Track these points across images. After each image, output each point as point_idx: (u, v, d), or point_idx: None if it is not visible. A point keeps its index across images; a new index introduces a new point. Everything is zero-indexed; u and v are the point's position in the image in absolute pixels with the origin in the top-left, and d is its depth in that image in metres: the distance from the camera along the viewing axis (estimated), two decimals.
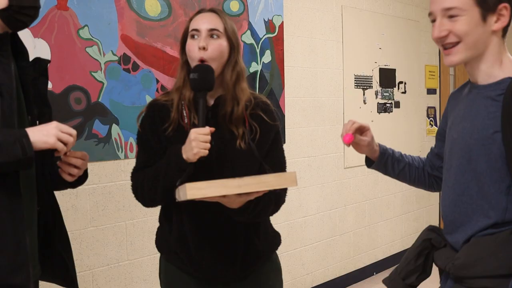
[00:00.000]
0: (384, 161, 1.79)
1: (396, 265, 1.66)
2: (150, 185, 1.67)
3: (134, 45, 2.82)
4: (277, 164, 1.78)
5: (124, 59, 2.78)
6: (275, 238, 1.87)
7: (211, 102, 1.72)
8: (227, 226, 1.70)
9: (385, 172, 1.83)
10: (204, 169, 1.61)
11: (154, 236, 2.92)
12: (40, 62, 1.61)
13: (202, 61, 1.66)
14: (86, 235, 2.68)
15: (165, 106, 1.73)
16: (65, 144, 1.45)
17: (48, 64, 1.65)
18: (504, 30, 1.47)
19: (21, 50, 1.59)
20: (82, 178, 1.67)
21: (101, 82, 2.70)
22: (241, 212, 1.63)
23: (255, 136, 1.72)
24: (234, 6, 3.32)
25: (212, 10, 1.76)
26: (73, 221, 2.61)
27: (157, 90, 2.92)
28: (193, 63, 1.69)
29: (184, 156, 1.58)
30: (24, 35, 1.62)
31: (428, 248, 1.60)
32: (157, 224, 2.93)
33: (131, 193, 2.82)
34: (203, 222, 1.70)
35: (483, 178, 1.44)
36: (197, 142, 1.55)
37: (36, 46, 2.45)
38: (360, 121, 1.70)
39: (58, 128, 1.44)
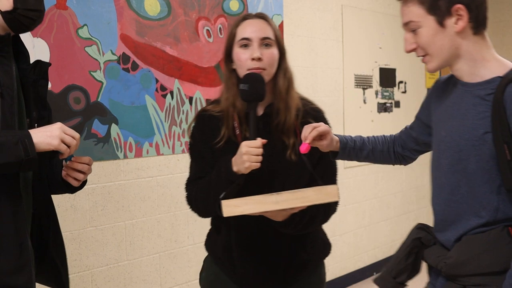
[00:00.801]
0: (347, 154, 1.80)
1: (387, 264, 1.66)
2: (202, 196, 1.66)
3: (133, 44, 2.81)
4: (328, 172, 1.74)
5: (124, 58, 2.77)
6: (324, 248, 1.82)
7: (261, 111, 1.68)
8: (273, 238, 1.67)
9: (350, 160, 1.85)
10: (254, 181, 1.58)
11: (153, 236, 2.92)
12: (41, 65, 1.60)
13: (252, 69, 1.62)
14: (85, 235, 2.67)
15: (215, 117, 1.70)
16: (68, 146, 1.43)
17: (49, 67, 1.65)
18: (475, 27, 1.44)
19: (22, 51, 1.58)
20: (82, 183, 1.67)
21: (100, 82, 2.69)
22: (287, 225, 1.59)
23: None
24: (234, 5, 3.32)
25: (260, 17, 1.70)
26: (72, 221, 2.61)
27: (156, 90, 2.91)
28: (243, 74, 1.64)
29: (235, 168, 1.55)
30: (23, 34, 1.61)
31: (418, 247, 1.61)
32: (156, 225, 2.94)
33: (130, 193, 2.84)
34: (250, 233, 1.68)
35: (474, 178, 1.44)
36: (249, 156, 1.51)
37: (35, 46, 2.44)
38: (319, 127, 1.63)
39: (61, 130, 1.42)
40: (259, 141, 1.53)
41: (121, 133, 2.77)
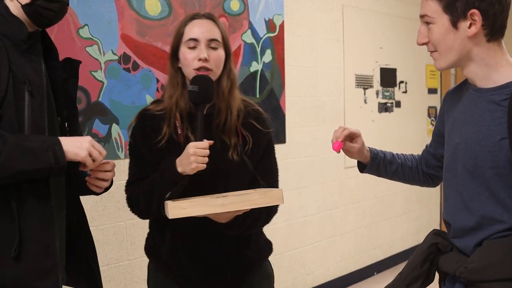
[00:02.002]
0: (376, 165, 1.77)
1: (400, 271, 1.61)
2: (145, 198, 1.65)
3: (134, 44, 2.81)
4: (269, 172, 1.74)
5: (124, 58, 2.77)
6: (266, 247, 1.84)
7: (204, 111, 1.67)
8: (219, 238, 1.67)
9: (378, 175, 1.81)
10: (196, 181, 1.58)
11: None
12: (71, 63, 1.60)
13: (199, 70, 1.62)
14: None
15: (156, 116, 1.69)
16: (93, 160, 1.44)
17: (80, 65, 1.63)
18: (489, 34, 1.42)
19: (50, 49, 1.57)
20: (108, 186, 1.67)
21: (101, 82, 2.69)
22: (230, 226, 1.60)
23: (248, 146, 1.68)
24: (235, 5, 3.32)
25: (208, 17, 1.70)
26: None
27: (157, 90, 2.91)
28: (189, 73, 1.65)
29: (180, 169, 1.55)
30: None
31: (434, 253, 1.56)
32: None
33: None
34: (195, 233, 1.67)
35: (493, 184, 1.42)
36: (196, 157, 1.52)
37: None
38: (351, 128, 1.68)
39: (91, 143, 1.43)
40: (206, 143, 1.53)
41: (121, 133, 2.77)
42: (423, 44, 1.50)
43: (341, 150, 1.68)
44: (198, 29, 1.65)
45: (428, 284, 1.59)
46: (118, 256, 2.79)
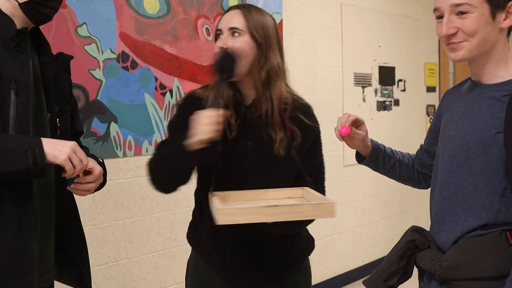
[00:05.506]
0: (376, 157, 1.76)
1: (377, 266, 1.64)
2: (159, 161, 1.61)
3: (132, 43, 2.81)
4: (315, 169, 1.72)
5: (123, 57, 2.77)
6: (308, 244, 1.82)
7: (249, 101, 1.66)
8: (263, 235, 1.63)
9: (376, 168, 1.80)
10: (239, 174, 1.56)
11: (153, 235, 2.92)
12: (63, 58, 1.59)
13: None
14: (85, 234, 2.66)
15: (202, 100, 1.64)
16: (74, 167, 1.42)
17: (71, 60, 1.62)
18: (510, 29, 1.44)
19: (42, 44, 1.56)
20: (100, 185, 1.65)
21: (99, 80, 2.69)
22: (276, 226, 1.57)
23: (296, 141, 1.66)
24: (233, 4, 3.31)
25: (237, 7, 1.71)
26: None
27: (155, 88, 2.91)
28: None
29: (186, 142, 1.47)
30: None
31: (411, 249, 1.57)
32: (156, 223, 2.94)
33: (130, 192, 2.84)
34: (239, 229, 1.61)
35: (479, 178, 1.42)
36: (201, 125, 1.44)
37: None
38: (355, 114, 1.66)
39: (73, 150, 1.41)
40: (215, 111, 1.46)
41: (120, 131, 2.77)
42: (449, 35, 1.42)
43: (343, 139, 1.67)
44: (222, 20, 1.69)
45: (406, 280, 1.60)
46: (116, 255, 2.79)
